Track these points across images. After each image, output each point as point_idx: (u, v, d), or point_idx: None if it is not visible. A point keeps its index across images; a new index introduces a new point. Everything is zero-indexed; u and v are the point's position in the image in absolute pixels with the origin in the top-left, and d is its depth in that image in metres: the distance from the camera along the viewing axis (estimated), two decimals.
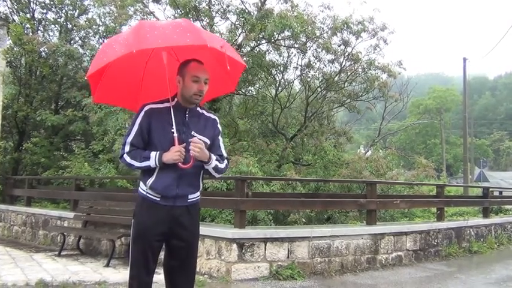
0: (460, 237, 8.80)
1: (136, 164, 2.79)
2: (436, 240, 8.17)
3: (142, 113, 2.83)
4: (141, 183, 2.87)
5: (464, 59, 24.32)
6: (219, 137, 3.00)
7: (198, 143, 2.73)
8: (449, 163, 54.82)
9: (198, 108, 2.94)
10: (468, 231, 9.13)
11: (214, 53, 2.83)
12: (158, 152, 2.73)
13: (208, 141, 2.88)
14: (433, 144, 54.94)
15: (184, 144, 2.73)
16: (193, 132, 2.82)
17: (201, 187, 2.96)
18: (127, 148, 2.82)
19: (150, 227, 2.77)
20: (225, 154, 3.00)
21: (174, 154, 2.68)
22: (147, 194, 2.81)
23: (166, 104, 2.81)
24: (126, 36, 2.73)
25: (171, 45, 2.63)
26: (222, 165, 2.93)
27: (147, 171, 2.81)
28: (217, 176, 2.96)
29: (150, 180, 2.78)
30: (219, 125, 3.03)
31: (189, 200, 2.86)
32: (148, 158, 2.75)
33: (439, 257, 8.07)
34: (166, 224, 2.78)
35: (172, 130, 2.73)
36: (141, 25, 2.81)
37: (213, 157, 2.84)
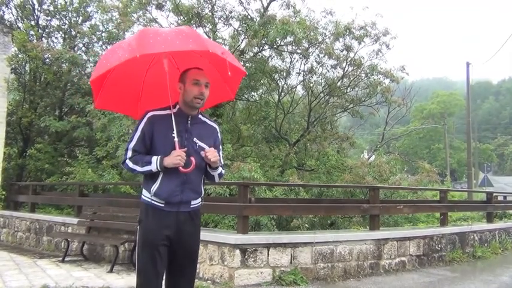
0: (464, 242, 8.77)
1: (138, 168, 2.82)
2: (439, 246, 8.14)
3: (145, 120, 2.87)
4: (144, 190, 2.89)
5: (468, 64, 24.30)
6: (220, 147, 3.08)
7: (211, 150, 2.83)
8: (454, 168, 54.66)
9: (201, 116, 2.99)
10: (472, 236, 9.09)
11: (213, 61, 2.89)
12: (159, 156, 2.76)
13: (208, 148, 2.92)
14: (437, 149, 54.82)
15: (185, 148, 2.77)
16: (194, 139, 2.86)
17: (202, 193, 2.99)
18: (129, 154, 2.86)
19: (156, 232, 2.79)
20: (222, 163, 3.10)
21: (174, 158, 2.71)
22: (152, 201, 2.83)
23: (168, 111, 2.84)
24: (129, 42, 2.76)
25: (174, 50, 2.67)
26: (223, 171, 3.06)
27: (151, 178, 2.83)
28: (217, 181, 3.07)
29: (155, 187, 2.80)
30: (219, 134, 3.11)
31: (191, 206, 2.89)
32: (149, 163, 2.78)
33: (443, 262, 8.04)
34: (171, 229, 2.81)
35: (173, 135, 2.76)
36: (144, 31, 2.85)
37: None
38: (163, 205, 2.81)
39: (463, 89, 35.84)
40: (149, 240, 2.80)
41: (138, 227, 2.88)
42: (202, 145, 2.88)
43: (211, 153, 2.81)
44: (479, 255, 8.82)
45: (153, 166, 2.77)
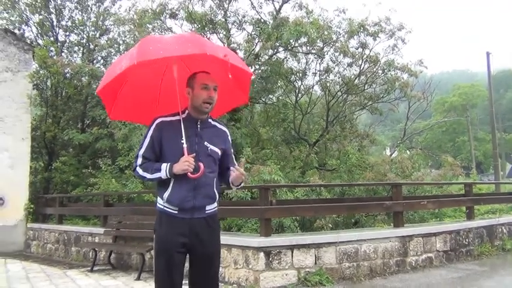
0: (492, 236, 8.60)
1: (148, 175, 2.81)
2: (467, 240, 8.01)
3: (153, 126, 2.87)
4: (158, 198, 2.87)
5: (488, 54, 23.88)
6: (231, 149, 3.08)
7: (237, 175, 2.84)
8: (480, 160, 53.43)
9: (210, 120, 2.97)
10: (500, 229, 8.91)
11: (223, 65, 2.84)
12: (169, 164, 2.74)
13: (219, 152, 2.92)
14: (462, 141, 53.73)
15: (194, 154, 2.74)
16: (206, 143, 2.85)
17: (217, 197, 2.93)
18: (139, 161, 2.86)
19: (170, 239, 2.76)
20: (235, 164, 3.07)
21: (183, 164, 2.68)
22: (165, 208, 2.82)
23: (177, 117, 2.83)
24: (132, 51, 2.78)
25: (172, 55, 2.65)
26: (243, 183, 3.05)
27: (163, 185, 2.82)
28: (235, 189, 3.05)
29: (166, 194, 2.79)
30: (229, 137, 3.08)
31: (206, 212, 2.85)
32: (159, 170, 2.76)
33: (471, 257, 7.91)
34: (186, 236, 2.77)
35: (182, 141, 2.73)
36: (146, 40, 2.86)
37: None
38: (176, 212, 2.78)
39: (485, 79, 35.14)
40: (163, 249, 2.78)
41: (154, 235, 2.87)
42: (214, 149, 2.86)
43: (237, 178, 2.85)
44: (508, 248, 8.63)
45: (163, 173, 2.75)
